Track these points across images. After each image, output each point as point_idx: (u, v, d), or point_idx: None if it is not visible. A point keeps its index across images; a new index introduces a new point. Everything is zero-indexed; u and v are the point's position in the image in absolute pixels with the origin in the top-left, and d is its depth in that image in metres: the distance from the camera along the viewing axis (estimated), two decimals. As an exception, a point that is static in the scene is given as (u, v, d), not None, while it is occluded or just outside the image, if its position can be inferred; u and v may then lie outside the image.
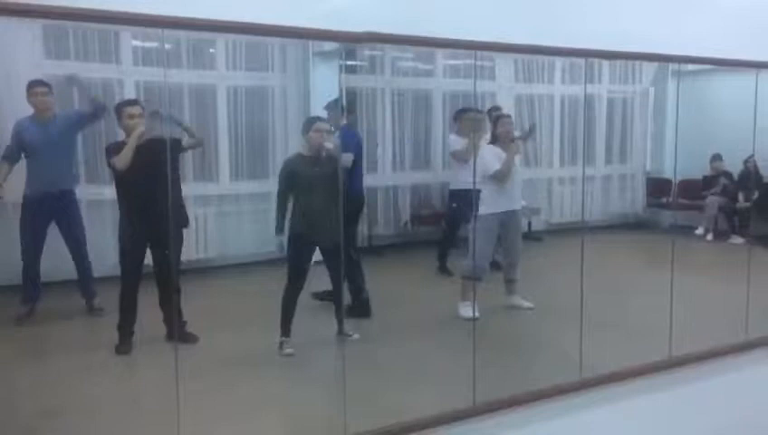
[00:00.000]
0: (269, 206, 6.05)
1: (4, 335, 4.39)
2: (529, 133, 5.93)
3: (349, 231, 5.14)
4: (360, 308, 4.84)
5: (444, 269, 5.95)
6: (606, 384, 3.46)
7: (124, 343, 4.19)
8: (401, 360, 4.14)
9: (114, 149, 4.24)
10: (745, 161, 7.34)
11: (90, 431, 3.35)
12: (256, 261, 5.68)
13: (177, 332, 4.09)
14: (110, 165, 4.24)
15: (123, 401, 3.66)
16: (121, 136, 4.33)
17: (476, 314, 4.53)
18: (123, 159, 4.16)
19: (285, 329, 4.28)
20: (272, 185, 6.08)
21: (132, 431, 3.32)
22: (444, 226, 6.35)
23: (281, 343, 4.26)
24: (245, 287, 5.37)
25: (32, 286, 4.60)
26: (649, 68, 8.26)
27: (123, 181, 4.22)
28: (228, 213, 6.05)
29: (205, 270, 5.56)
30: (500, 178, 4.88)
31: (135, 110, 4.31)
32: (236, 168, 6.23)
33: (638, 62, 7.83)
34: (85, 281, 4.74)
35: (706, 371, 3.77)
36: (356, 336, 4.34)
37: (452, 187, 6.04)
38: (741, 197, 7.44)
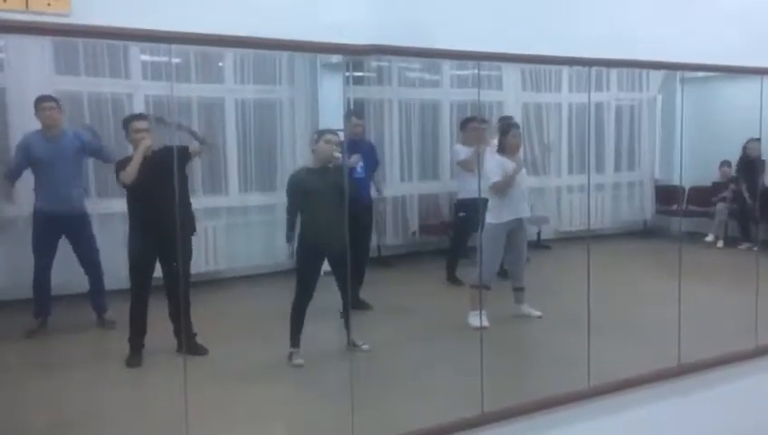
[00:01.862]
0: (278, 217, 6.08)
1: (15, 349, 4.43)
2: (548, 149, 5.92)
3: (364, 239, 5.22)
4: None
5: (453, 278, 5.95)
6: (615, 392, 3.45)
7: (135, 356, 4.21)
8: (411, 370, 4.14)
9: (123, 164, 4.26)
10: (744, 147, 7.15)
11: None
12: (265, 272, 5.70)
13: (188, 344, 4.12)
14: (118, 180, 4.26)
15: (133, 413, 3.67)
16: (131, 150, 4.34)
17: (486, 324, 4.55)
18: (129, 175, 4.17)
19: (295, 340, 4.29)
20: (280, 197, 6.11)
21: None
22: (452, 235, 6.35)
23: (290, 354, 4.26)
24: (255, 299, 5.40)
25: (43, 300, 4.63)
26: (657, 75, 8.25)
27: (134, 194, 4.24)
28: (237, 225, 6.08)
29: (214, 282, 5.59)
30: (497, 190, 4.87)
31: (141, 124, 4.32)
32: (245, 180, 6.27)
33: (645, 70, 7.83)
34: (97, 294, 4.76)
35: (716, 378, 3.76)
36: (366, 347, 4.34)
37: (459, 196, 6.04)
38: (744, 188, 7.30)
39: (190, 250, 4.30)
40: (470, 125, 6.01)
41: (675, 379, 3.64)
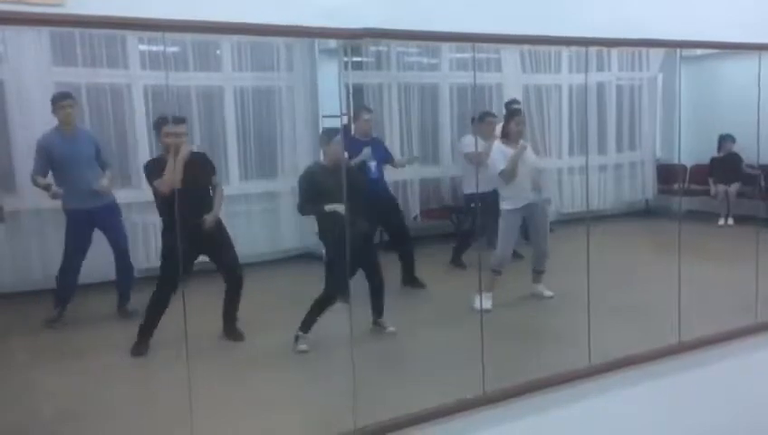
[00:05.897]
0: (279, 205, 6.11)
1: (35, 339, 4.45)
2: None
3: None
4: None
5: (458, 262, 5.95)
6: (616, 370, 3.47)
7: (141, 344, 4.22)
8: (418, 352, 4.19)
9: (155, 168, 4.05)
10: None
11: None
12: (267, 260, 5.72)
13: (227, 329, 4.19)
14: (151, 185, 4.06)
15: (140, 400, 3.71)
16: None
17: (488, 306, 4.58)
18: (168, 183, 3.91)
19: (306, 326, 4.26)
20: (281, 184, 6.14)
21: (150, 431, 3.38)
22: (454, 220, 6.34)
23: (296, 337, 4.24)
24: (256, 287, 5.41)
25: (67, 290, 4.61)
26: (658, 54, 8.20)
27: (165, 197, 4.00)
28: (239, 213, 6.08)
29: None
30: (505, 177, 4.91)
31: (180, 128, 4.13)
32: (246, 168, 6.27)
33: (645, 49, 7.78)
34: (125, 286, 4.75)
35: (717, 355, 3.77)
36: (392, 329, 4.37)
37: (465, 191, 6.02)
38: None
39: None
40: (488, 119, 5.98)
41: (675, 356, 3.66)
